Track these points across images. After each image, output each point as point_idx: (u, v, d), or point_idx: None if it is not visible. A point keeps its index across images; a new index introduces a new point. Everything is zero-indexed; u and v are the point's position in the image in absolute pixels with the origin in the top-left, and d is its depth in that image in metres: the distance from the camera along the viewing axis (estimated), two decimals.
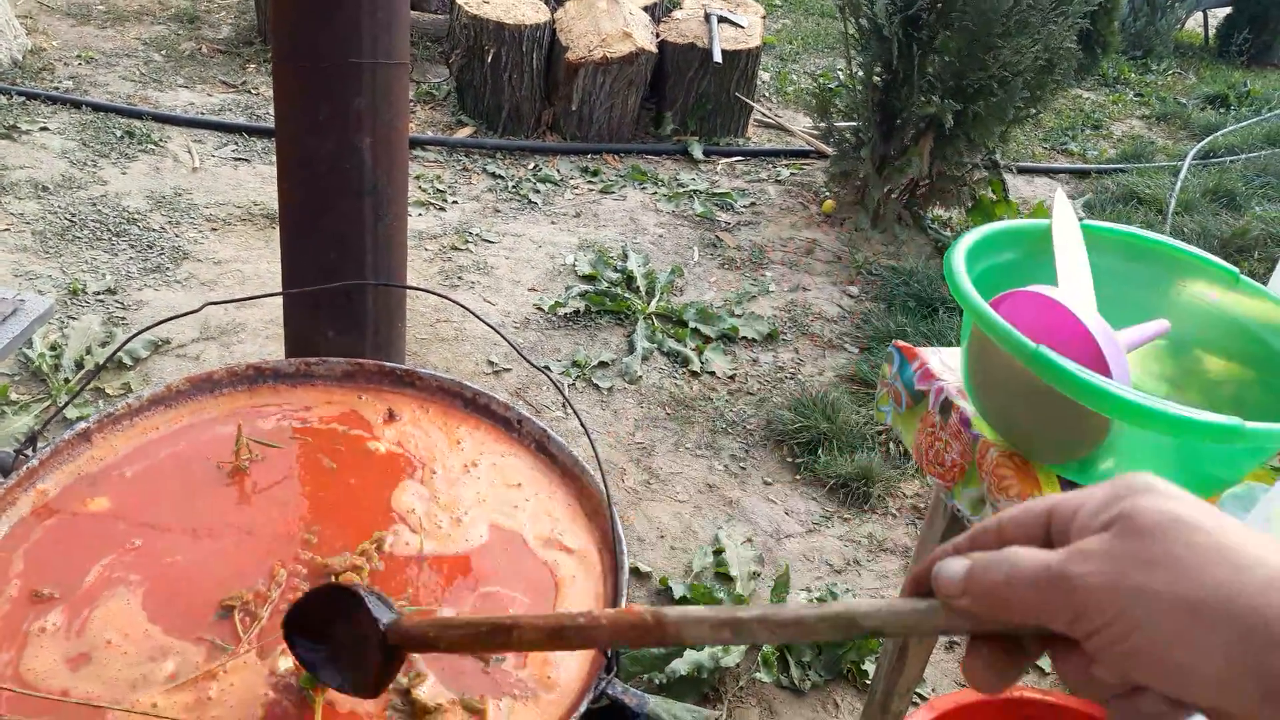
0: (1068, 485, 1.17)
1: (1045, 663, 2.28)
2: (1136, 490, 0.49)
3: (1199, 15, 8.70)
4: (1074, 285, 1.23)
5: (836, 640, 0.58)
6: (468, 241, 3.86)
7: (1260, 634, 0.43)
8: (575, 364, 3.18)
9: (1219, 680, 0.44)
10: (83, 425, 1.06)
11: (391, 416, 1.16)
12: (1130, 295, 1.36)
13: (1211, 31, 8.68)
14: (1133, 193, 4.95)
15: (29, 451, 1.02)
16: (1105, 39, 6.83)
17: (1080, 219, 1.37)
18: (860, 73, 4.19)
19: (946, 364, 1.41)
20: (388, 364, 1.23)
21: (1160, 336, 1.27)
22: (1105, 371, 1.08)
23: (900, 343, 1.46)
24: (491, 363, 3.13)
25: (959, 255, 1.23)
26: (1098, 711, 0.99)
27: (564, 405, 2.97)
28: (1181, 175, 5.18)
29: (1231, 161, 5.57)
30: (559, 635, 0.64)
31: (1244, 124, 6.28)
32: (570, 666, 0.90)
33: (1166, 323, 1.27)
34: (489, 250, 3.83)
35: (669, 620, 0.59)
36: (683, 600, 2.32)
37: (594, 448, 0.99)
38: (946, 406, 1.33)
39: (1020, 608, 0.49)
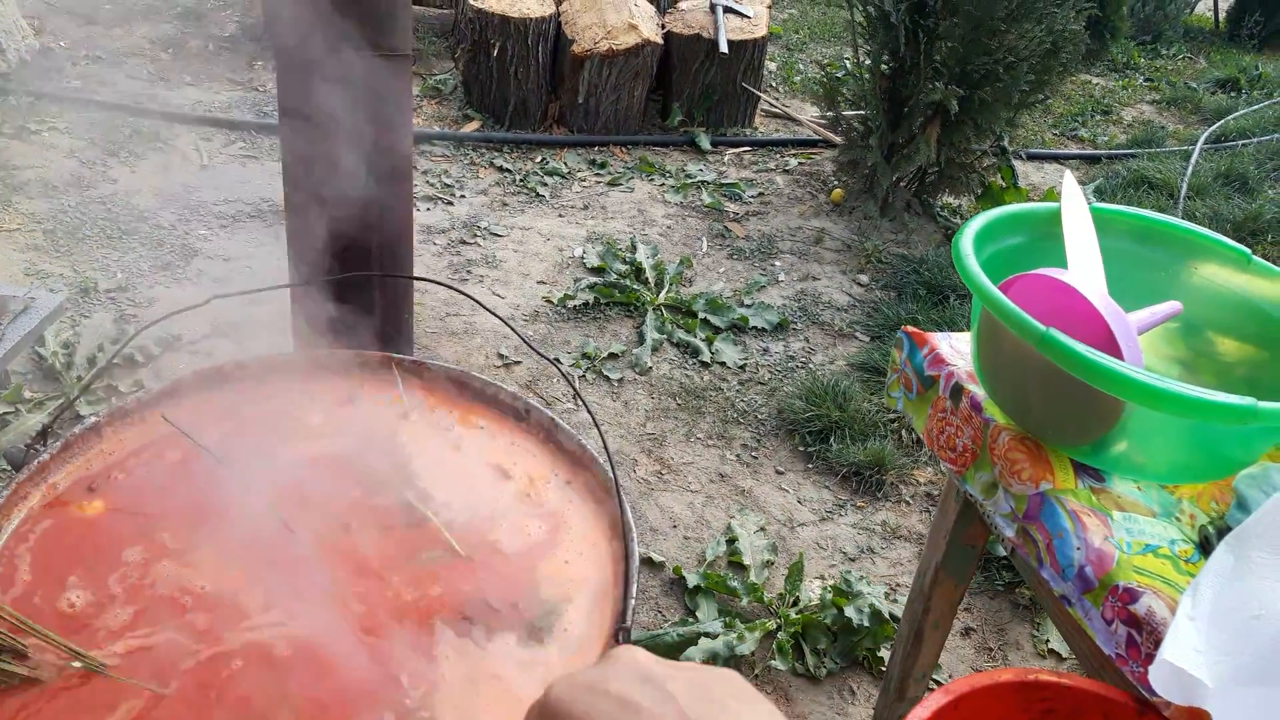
0: (1080, 468, 1.17)
1: (1062, 647, 2.28)
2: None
3: None
4: (1084, 268, 1.22)
5: None
6: (476, 235, 3.86)
7: None
8: (585, 356, 3.17)
9: None
10: (93, 419, 1.06)
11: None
12: (1141, 277, 1.34)
13: (1222, 15, 8.60)
14: (1144, 178, 4.92)
15: (40, 446, 1.03)
16: (1114, 24, 6.78)
17: (1090, 203, 1.36)
18: (867, 61, 4.17)
19: (956, 349, 1.40)
20: (395, 355, 1.23)
21: (1172, 318, 1.26)
22: (1116, 353, 1.07)
23: (909, 328, 1.46)
24: (502, 355, 3.13)
25: (967, 239, 1.22)
26: (1112, 693, 0.98)
27: (574, 397, 2.97)
28: (1193, 160, 5.14)
29: (1243, 145, 5.52)
30: None
31: (1256, 108, 6.22)
32: (573, 653, 0.90)
33: (1178, 304, 1.26)
34: (497, 244, 3.83)
35: None
36: (696, 590, 2.31)
37: (603, 438, 0.98)
38: (957, 391, 1.32)
39: None
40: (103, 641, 0.82)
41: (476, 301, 1.06)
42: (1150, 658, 0.95)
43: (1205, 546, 1.07)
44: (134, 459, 1.04)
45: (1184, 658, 0.85)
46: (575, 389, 0.99)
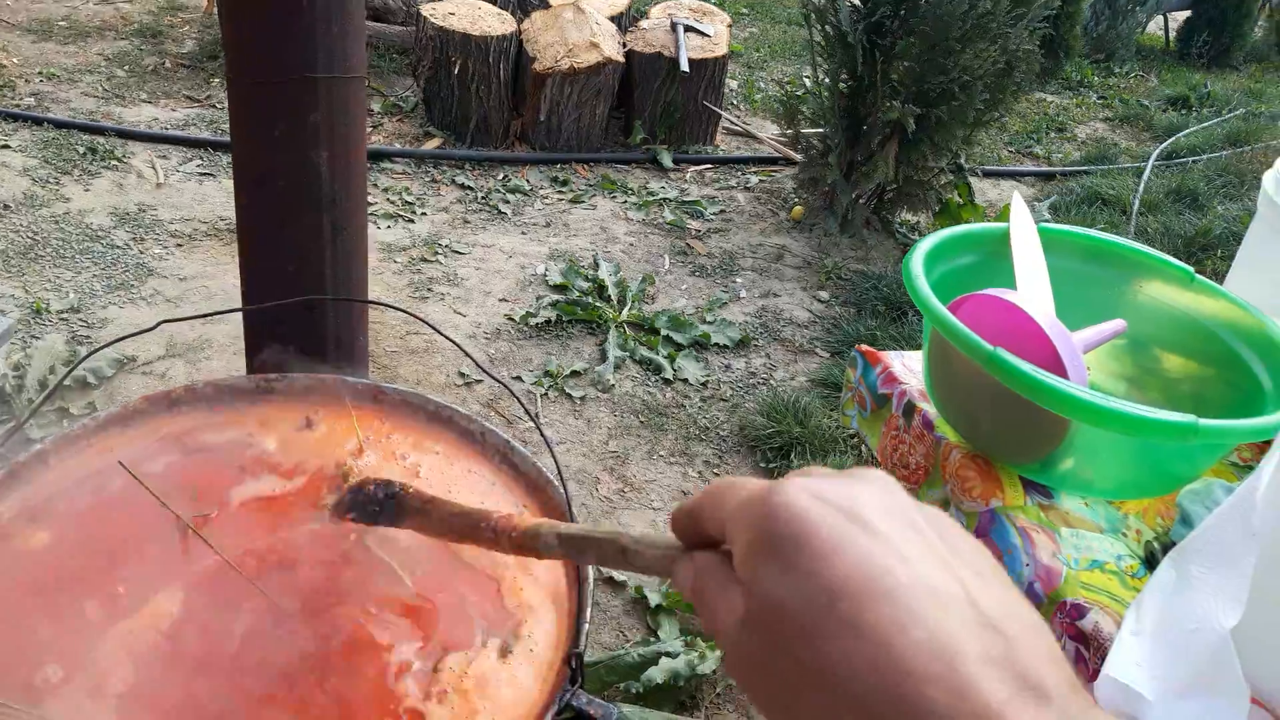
0: (1029, 485, 1.18)
1: None
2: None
3: (1159, 19, 8.83)
4: (1032, 288, 1.24)
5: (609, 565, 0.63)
6: (437, 253, 3.84)
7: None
8: (548, 374, 3.17)
9: None
10: (38, 447, 1.04)
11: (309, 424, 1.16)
12: (1089, 296, 1.37)
13: (1172, 34, 8.80)
14: (1097, 194, 5.01)
15: None
16: (1068, 43, 6.92)
17: (1044, 221, 1.38)
18: (826, 80, 4.22)
19: (909, 367, 1.42)
20: (349, 378, 1.22)
21: (1118, 336, 1.29)
22: (1062, 372, 1.09)
23: (863, 347, 1.47)
24: (463, 374, 3.12)
25: (918, 259, 1.24)
26: None
27: (534, 416, 2.97)
28: (1145, 176, 5.25)
29: (1194, 162, 5.64)
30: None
31: (1205, 125, 6.36)
32: (531, 678, 0.90)
33: (1123, 322, 1.29)
34: (459, 261, 3.82)
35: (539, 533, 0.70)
36: (658, 609, 2.31)
37: (555, 458, 0.98)
38: (910, 409, 1.34)
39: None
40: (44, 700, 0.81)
41: (431, 326, 1.05)
42: (1098, 673, 0.96)
43: (1151, 562, 1.09)
44: (78, 488, 1.03)
45: (1126, 672, 0.87)
46: (529, 411, 0.99)
